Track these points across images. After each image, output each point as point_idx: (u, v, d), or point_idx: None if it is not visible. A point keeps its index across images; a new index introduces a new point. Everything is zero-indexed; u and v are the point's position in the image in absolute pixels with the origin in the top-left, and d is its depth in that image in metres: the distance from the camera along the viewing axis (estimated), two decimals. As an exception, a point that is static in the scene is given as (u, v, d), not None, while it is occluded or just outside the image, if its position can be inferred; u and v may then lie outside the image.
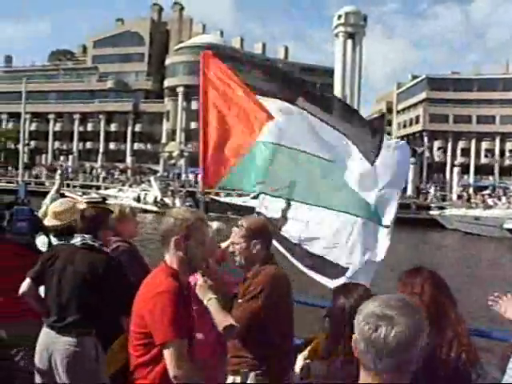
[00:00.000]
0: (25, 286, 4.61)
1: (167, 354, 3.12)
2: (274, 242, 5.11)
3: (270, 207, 5.97)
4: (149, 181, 67.63)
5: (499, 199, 59.14)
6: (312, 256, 5.85)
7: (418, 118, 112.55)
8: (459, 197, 64.22)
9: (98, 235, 4.63)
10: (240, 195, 63.25)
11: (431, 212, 56.79)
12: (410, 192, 69.54)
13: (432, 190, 69.47)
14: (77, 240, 4.60)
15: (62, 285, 4.45)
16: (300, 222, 5.83)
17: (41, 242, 5.53)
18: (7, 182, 74.78)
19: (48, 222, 5.70)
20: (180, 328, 3.18)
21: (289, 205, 5.24)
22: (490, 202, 56.67)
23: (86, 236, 4.58)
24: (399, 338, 1.98)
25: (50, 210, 5.85)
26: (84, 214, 4.69)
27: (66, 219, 5.70)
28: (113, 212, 5.01)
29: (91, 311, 4.34)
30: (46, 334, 4.49)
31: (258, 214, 5.93)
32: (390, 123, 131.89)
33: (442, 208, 58.02)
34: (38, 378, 4.51)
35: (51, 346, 4.41)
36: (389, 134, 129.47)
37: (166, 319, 3.15)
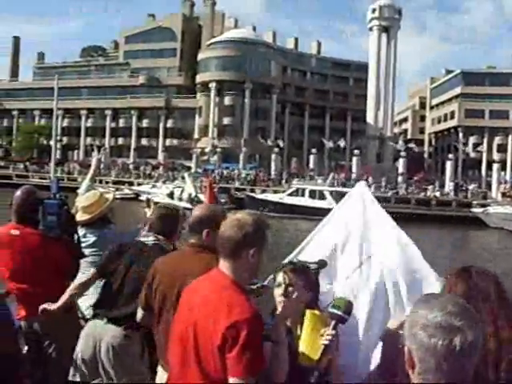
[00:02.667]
0: (88, 275, 4.83)
1: None
2: None
3: None
4: (183, 177, 67.17)
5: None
6: None
7: (452, 113, 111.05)
8: (504, 194, 62.61)
9: (172, 238, 4.72)
10: (275, 192, 62.62)
11: (473, 210, 55.45)
12: (447, 189, 68.29)
13: (471, 187, 67.87)
14: (149, 239, 4.66)
15: (125, 280, 4.57)
16: None
17: None
18: (40, 178, 74.90)
19: (79, 217, 5.81)
20: (260, 366, 2.85)
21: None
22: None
23: (159, 237, 4.65)
24: (473, 347, 1.90)
25: (78, 207, 6.05)
26: (161, 215, 4.76)
27: (96, 211, 5.94)
28: (184, 216, 4.91)
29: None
30: (93, 323, 4.64)
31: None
32: (423, 119, 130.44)
33: (484, 206, 56.57)
34: (79, 367, 4.61)
35: (98, 335, 4.54)
36: (422, 130, 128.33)
37: (251, 352, 2.80)
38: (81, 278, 5.00)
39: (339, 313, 3.21)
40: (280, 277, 3.56)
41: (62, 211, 5.17)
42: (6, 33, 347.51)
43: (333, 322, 3.23)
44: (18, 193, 5.29)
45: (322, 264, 3.83)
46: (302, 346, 3.32)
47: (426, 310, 1.94)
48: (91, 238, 6.00)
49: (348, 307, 3.24)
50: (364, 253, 4.30)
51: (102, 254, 4.98)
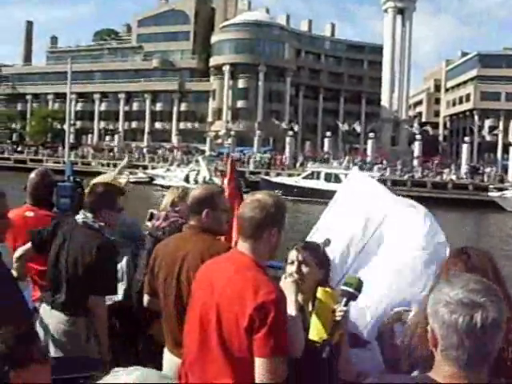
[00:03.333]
0: (24, 248, 4.85)
1: (267, 367, 2.80)
2: None
3: None
4: (197, 160, 66.97)
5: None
6: None
7: (468, 96, 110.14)
8: (521, 178, 61.96)
9: (102, 214, 4.53)
10: (290, 175, 62.38)
11: (490, 193, 54.93)
12: (463, 172, 67.66)
13: (487, 171, 67.15)
14: (79, 217, 4.55)
15: (58, 261, 4.48)
16: None
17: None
18: (54, 163, 75.04)
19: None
20: (287, 345, 2.90)
21: None
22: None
23: (87, 214, 4.51)
24: (495, 324, 1.91)
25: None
26: (90, 191, 4.65)
27: None
28: (123, 192, 4.95)
29: (80, 292, 4.30)
30: (43, 308, 4.58)
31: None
32: (438, 102, 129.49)
33: (501, 189, 56.00)
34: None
35: (45, 319, 4.49)
36: (437, 113, 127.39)
37: (278, 333, 2.83)
38: (17, 250, 4.99)
39: (351, 290, 3.30)
40: (293, 254, 3.59)
41: (75, 193, 5.24)
42: (19, 17, 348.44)
43: (344, 299, 3.31)
44: (33, 175, 5.34)
45: (326, 243, 3.82)
46: (314, 323, 3.37)
47: (448, 287, 1.96)
48: None
49: (359, 284, 3.33)
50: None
51: (36, 230, 4.89)
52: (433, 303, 1.99)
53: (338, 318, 3.27)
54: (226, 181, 6.44)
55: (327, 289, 3.49)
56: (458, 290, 1.93)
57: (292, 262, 3.56)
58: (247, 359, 2.85)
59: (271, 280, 3.03)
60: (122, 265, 5.88)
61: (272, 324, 2.80)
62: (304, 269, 3.53)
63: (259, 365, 2.81)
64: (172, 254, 3.90)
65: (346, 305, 3.32)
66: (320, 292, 3.46)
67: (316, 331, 3.32)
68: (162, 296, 3.94)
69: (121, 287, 5.72)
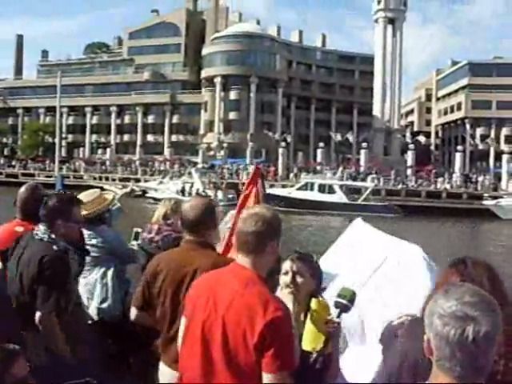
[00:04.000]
0: None
1: (277, 382, 2.80)
2: None
3: None
4: (189, 173, 66.83)
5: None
6: None
7: (459, 104, 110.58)
8: (515, 186, 61.97)
9: (56, 226, 4.42)
10: (284, 186, 62.19)
11: (485, 202, 54.93)
12: (457, 181, 67.66)
13: (481, 179, 67.17)
14: (36, 229, 4.48)
15: (13, 276, 4.42)
16: None
17: None
18: (46, 177, 74.79)
19: None
20: (295, 360, 2.99)
21: None
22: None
23: (40, 227, 4.44)
24: (487, 338, 1.91)
25: None
26: (45, 203, 4.49)
27: (92, 209, 5.79)
28: (81, 202, 4.86)
29: (27, 307, 4.20)
30: None
31: None
32: (429, 111, 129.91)
33: (495, 198, 56.03)
34: None
35: None
36: (428, 122, 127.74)
37: (288, 348, 2.87)
38: None
39: (344, 302, 3.34)
40: (287, 265, 3.61)
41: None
42: (10, 31, 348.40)
43: (337, 311, 3.36)
44: (22, 190, 5.28)
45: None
46: (308, 333, 3.37)
47: (443, 299, 1.97)
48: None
49: (352, 297, 3.37)
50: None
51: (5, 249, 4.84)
52: (428, 314, 2.01)
53: (331, 330, 3.32)
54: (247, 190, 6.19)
55: (321, 299, 3.50)
56: (453, 302, 1.94)
57: (286, 273, 3.58)
58: (253, 374, 2.83)
59: (276, 296, 3.12)
60: (107, 280, 5.90)
61: (282, 340, 2.83)
62: (298, 279, 3.55)
63: (269, 380, 2.80)
64: (179, 270, 3.86)
65: (338, 316, 3.37)
66: (314, 303, 3.45)
67: (309, 341, 3.34)
68: (163, 310, 3.90)
69: (90, 300, 5.83)
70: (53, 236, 4.38)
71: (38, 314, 4.18)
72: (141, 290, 4.08)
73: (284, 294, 3.47)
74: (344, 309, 3.36)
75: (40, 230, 4.42)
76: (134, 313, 4.16)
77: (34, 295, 4.20)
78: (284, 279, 3.59)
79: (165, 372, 3.89)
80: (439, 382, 1.98)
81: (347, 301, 3.34)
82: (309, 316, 3.42)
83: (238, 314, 2.89)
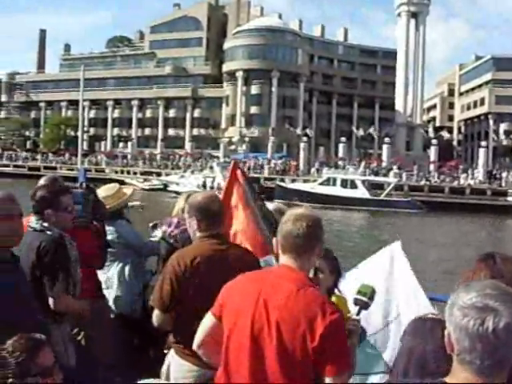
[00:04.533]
0: None
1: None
2: None
3: None
4: (211, 167, 66.80)
5: None
6: None
7: (482, 99, 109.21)
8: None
9: (46, 215, 4.40)
10: (305, 181, 61.94)
11: (509, 198, 54.38)
12: (480, 177, 66.99)
13: (505, 175, 66.35)
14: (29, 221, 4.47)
15: None
16: None
17: None
18: (68, 170, 75.24)
19: None
20: (352, 359, 3.11)
21: None
22: None
23: (32, 218, 4.46)
24: (508, 330, 1.88)
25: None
26: (33, 194, 4.50)
27: (112, 203, 5.89)
28: (70, 191, 4.79)
29: (38, 297, 4.05)
30: None
31: None
32: (452, 106, 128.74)
33: (521, 194, 55.49)
34: None
35: None
36: (451, 117, 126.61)
37: (347, 349, 2.94)
38: None
39: (364, 299, 3.37)
40: (323, 264, 3.67)
41: (87, 200, 5.22)
42: (33, 26, 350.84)
43: (357, 308, 3.39)
44: (41, 182, 5.24)
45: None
46: None
47: (464, 292, 1.97)
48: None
49: (372, 294, 3.40)
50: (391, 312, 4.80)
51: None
52: (449, 307, 2.00)
53: (351, 327, 3.30)
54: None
55: (341, 296, 3.63)
56: (473, 294, 1.93)
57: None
58: (307, 376, 2.85)
59: (324, 295, 3.15)
60: (125, 275, 6.04)
61: (342, 342, 2.88)
62: (320, 275, 3.64)
63: (333, 382, 2.82)
64: (222, 269, 3.72)
65: (358, 313, 3.40)
66: (335, 299, 3.52)
67: None
68: (195, 305, 3.72)
69: (110, 294, 5.93)
70: (45, 224, 4.38)
71: (51, 301, 4.19)
72: (166, 289, 3.90)
73: None
74: (364, 306, 3.38)
75: (32, 221, 4.43)
76: (158, 315, 3.99)
77: (36, 283, 4.16)
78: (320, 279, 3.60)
79: (183, 365, 3.90)
80: (460, 377, 1.97)
81: (367, 298, 3.36)
82: None
83: (295, 317, 2.86)
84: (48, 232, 4.33)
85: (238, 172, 5.92)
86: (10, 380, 2.63)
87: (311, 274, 3.42)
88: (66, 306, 4.32)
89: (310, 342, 2.80)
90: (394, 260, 4.98)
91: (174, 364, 3.99)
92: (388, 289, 4.88)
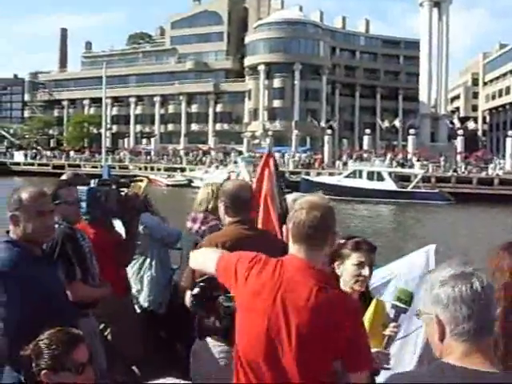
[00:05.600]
0: None
1: (364, 380, 2.85)
2: None
3: None
4: (235, 162, 66.47)
5: None
6: None
7: (508, 88, 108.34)
8: None
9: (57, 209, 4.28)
10: (331, 174, 61.44)
11: (539, 188, 53.47)
12: (508, 167, 66.06)
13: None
14: None
15: None
16: None
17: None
18: (92, 167, 75.49)
19: None
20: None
21: None
22: None
23: None
24: (491, 288, 2.01)
25: None
26: None
27: None
28: (69, 184, 4.85)
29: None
30: None
31: None
32: (476, 96, 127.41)
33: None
34: None
35: None
36: (475, 107, 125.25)
37: (367, 343, 2.87)
38: None
39: (404, 306, 3.25)
40: (362, 256, 3.50)
41: (92, 197, 5.09)
42: (54, 25, 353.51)
43: (394, 313, 3.30)
44: (63, 178, 5.32)
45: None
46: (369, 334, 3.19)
47: (437, 272, 2.04)
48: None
49: (410, 299, 3.27)
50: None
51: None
52: (426, 293, 2.04)
53: (391, 334, 3.29)
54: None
55: (380, 300, 3.53)
56: (447, 269, 2.01)
57: (360, 264, 3.49)
58: (324, 373, 2.78)
59: (338, 288, 3.18)
60: (151, 269, 6.07)
61: (365, 338, 2.84)
62: (365, 271, 3.52)
63: (358, 379, 2.78)
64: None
65: (397, 319, 3.31)
66: (376, 303, 3.45)
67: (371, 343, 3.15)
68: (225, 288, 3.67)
69: (136, 289, 6.01)
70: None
71: (68, 292, 4.15)
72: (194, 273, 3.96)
73: (351, 290, 3.42)
74: (403, 311, 3.28)
75: None
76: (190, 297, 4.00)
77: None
78: (358, 272, 3.46)
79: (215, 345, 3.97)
80: (457, 353, 1.98)
81: (406, 304, 3.24)
82: (368, 316, 3.38)
83: (317, 312, 2.75)
84: (56, 225, 4.23)
85: (271, 162, 5.90)
86: (44, 372, 2.72)
87: (366, 271, 3.48)
88: (83, 294, 4.36)
89: (333, 337, 2.75)
90: (429, 264, 4.71)
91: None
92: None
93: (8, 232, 3.68)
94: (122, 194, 5.42)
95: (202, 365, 4.05)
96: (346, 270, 3.54)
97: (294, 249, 2.92)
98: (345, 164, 67.95)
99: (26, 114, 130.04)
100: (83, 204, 4.94)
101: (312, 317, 2.75)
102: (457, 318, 1.96)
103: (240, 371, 2.97)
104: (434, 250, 4.78)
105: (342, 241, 3.65)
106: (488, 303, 1.96)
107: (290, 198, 5.32)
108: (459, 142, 77.16)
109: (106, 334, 5.11)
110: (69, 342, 2.80)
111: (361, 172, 54.67)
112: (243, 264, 3.02)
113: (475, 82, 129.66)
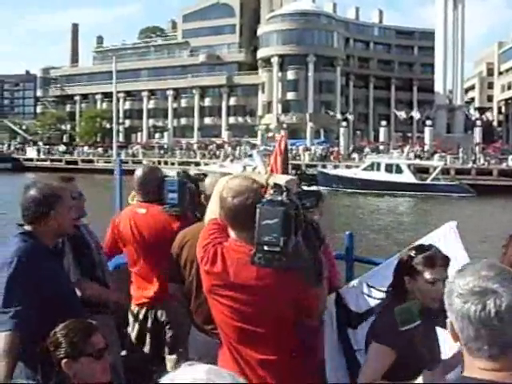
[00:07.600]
0: None
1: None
2: None
3: None
4: (250, 155, 65.73)
5: None
6: None
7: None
8: None
9: None
10: (348, 167, 60.59)
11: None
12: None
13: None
14: None
15: None
16: None
17: None
18: (105, 162, 75.12)
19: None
20: None
21: None
22: None
23: None
24: (510, 311, 1.81)
25: None
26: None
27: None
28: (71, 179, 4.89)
29: None
30: None
31: None
32: (491, 86, 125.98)
33: None
34: None
35: None
36: (490, 97, 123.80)
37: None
38: None
39: (414, 324, 3.19)
40: (437, 273, 3.25)
41: (183, 188, 5.07)
42: (65, 20, 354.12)
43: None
44: (139, 171, 5.23)
45: None
46: None
47: (459, 278, 1.89)
48: None
49: (412, 313, 3.25)
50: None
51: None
52: (447, 295, 1.93)
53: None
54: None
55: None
56: (469, 279, 1.85)
57: (436, 281, 3.23)
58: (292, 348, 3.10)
59: None
60: None
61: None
62: None
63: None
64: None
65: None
66: None
67: None
68: (193, 284, 3.99)
69: None
70: None
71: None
72: (173, 264, 4.20)
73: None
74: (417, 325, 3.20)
75: None
76: (170, 287, 4.36)
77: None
78: (433, 290, 3.21)
79: (202, 340, 4.01)
80: (476, 367, 1.84)
81: (414, 320, 3.18)
82: None
83: (275, 297, 2.99)
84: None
85: (283, 144, 6.22)
86: (65, 360, 2.80)
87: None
88: (92, 293, 4.36)
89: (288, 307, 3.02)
90: (447, 238, 4.36)
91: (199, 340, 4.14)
92: None
93: (21, 225, 3.63)
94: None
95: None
96: (419, 290, 3.31)
97: (233, 234, 3.08)
98: (361, 156, 67.00)
99: (39, 109, 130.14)
100: (173, 195, 4.95)
101: (269, 293, 2.98)
102: (466, 335, 1.85)
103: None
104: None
105: (413, 253, 3.39)
106: (501, 328, 1.78)
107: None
108: (477, 133, 76.03)
109: (167, 338, 5.08)
110: (86, 329, 2.90)
111: (379, 164, 53.66)
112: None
113: (490, 72, 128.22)
